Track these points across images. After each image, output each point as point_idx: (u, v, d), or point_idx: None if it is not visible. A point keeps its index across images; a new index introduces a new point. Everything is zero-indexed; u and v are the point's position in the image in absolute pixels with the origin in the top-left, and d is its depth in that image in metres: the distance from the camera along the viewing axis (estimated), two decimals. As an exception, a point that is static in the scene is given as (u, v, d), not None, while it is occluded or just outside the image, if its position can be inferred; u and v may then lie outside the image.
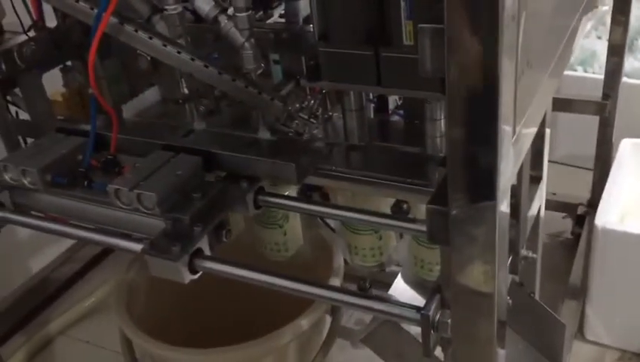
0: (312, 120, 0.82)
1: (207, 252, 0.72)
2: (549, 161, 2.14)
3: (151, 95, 0.97)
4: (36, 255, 1.66)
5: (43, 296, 1.64)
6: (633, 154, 1.48)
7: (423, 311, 0.57)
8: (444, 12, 0.40)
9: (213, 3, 0.76)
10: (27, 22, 0.91)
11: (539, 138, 0.80)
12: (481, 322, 0.54)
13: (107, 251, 1.69)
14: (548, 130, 0.82)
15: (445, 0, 0.40)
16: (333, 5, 0.68)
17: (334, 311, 0.91)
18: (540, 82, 0.58)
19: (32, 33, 0.90)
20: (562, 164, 1.94)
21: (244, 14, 0.76)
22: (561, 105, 1.53)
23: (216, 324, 1.01)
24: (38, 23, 0.90)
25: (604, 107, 1.44)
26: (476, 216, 0.48)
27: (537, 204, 0.83)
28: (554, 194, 1.79)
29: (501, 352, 0.56)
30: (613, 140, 1.51)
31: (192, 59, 0.77)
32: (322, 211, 0.79)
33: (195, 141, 0.83)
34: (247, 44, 0.78)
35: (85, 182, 0.80)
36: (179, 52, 0.76)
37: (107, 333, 1.16)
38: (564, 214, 1.71)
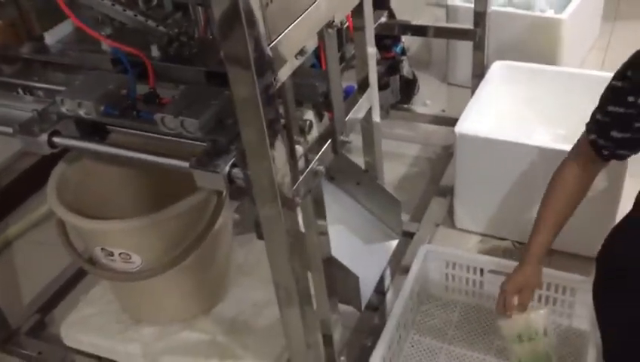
0: (191, 42, 1.07)
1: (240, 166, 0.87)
2: (449, 84, 2.37)
3: (70, 24, 1.19)
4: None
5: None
6: (501, 74, 1.73)
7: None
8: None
9: None
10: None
11: (363, 62, 1.05)
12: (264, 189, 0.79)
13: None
14: (372, 50, 1.06)
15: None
16: None
17: (219, 193, 1.17)
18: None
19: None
20: (460, 86, 2.19)
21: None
22: (439, 32, 1.77)
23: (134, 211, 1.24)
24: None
25: (474, 33, 1.67)
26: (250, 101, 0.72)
27: (366, 106, 1.09)
28: (443, 110, 2.05)
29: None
30: (487, 63, 1.75)
31: (89, -7, 0.99)
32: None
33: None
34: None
35: (134, 113, 0.95)
36: (77, -13, 0.99)
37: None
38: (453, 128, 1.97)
